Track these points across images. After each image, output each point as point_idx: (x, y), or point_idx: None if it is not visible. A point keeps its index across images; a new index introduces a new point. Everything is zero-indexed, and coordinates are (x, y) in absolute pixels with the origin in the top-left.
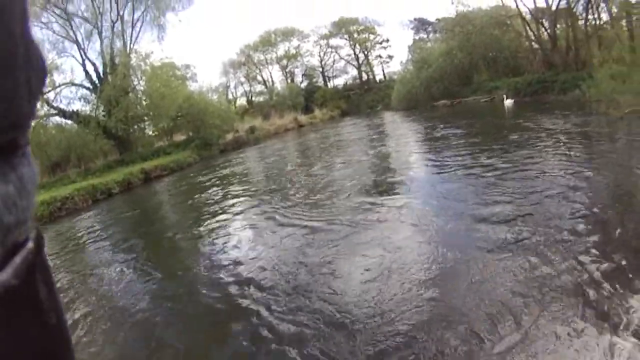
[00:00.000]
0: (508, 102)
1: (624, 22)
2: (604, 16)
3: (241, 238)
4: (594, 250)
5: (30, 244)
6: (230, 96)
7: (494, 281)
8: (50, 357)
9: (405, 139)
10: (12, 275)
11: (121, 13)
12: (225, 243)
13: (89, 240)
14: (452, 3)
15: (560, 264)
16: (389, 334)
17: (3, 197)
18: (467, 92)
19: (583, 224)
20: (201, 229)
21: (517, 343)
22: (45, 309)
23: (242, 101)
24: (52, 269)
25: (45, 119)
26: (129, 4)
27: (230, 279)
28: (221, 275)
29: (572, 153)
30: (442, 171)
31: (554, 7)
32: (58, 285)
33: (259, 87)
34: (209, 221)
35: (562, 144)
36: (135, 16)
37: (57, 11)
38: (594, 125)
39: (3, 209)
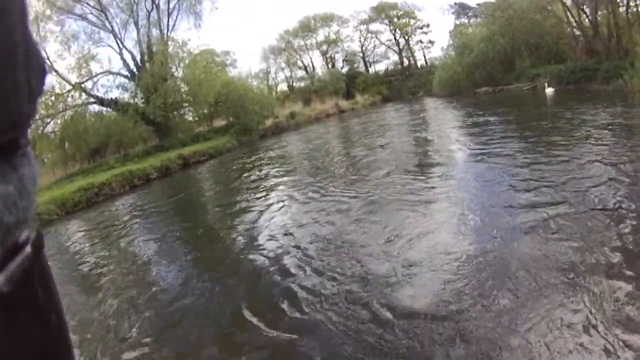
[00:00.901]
0: (549, 91)
1: None
2: None
3: (278, 222)
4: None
5: (30, 245)
6: (270, 82)
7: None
8: (50, 357)
9: (446, 125)
10: (12, 277)
11: (156, 2)
12: (261, 224)
13: (123, 226)
14: None
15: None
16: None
17: (3, 197)
18: (509, 78)
19: (619, 215)
20: (238, 212)
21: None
22: (45, 310)
23: (283, 87)
24: (75, 256)
25: (83, 107)
26: None
27: (271, 261)
28: (261, 254)
29: (610, 144)
30: (479, 156)
31: None
32: (89, 269)
33: (300, 73)
34: (245, 205)
35: (601, 135)
36: (171, 5)
37: (92, 3)
38: (636, 118)
39: (3, 209)
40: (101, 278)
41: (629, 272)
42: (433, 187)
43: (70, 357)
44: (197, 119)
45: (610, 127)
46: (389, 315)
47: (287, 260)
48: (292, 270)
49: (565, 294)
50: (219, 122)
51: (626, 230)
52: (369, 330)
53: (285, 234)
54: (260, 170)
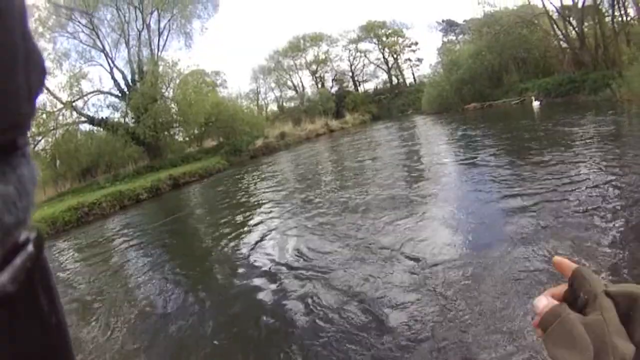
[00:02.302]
0: (535, 104)
1: None
2: (631, 12)
3: (268, 244)
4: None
5: (30, 245)
6: (260, 102)
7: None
8: (50, 358)
9: (436, 144)
10: (12, 277)
11: (147, 22)
12: (251, 245)
13: (112, 246)
14: (479, 3)
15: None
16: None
17: (3, 197)
18: (498, 94)
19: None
20: (226, 234)
21: None
22: (45, 311)
23: (273, 107)
24: (63, 274)
25: (74, 126)
26: (155, 13)
27: (261, 278)
28: (248, 275)
29: (598, 154)
30: (464, 167)
31: (580, 4)
32: (80, 286)
33: (290, 93)
34: (233, 228)
35: (589, 145)
36: (162, 25)
37: (83, 21)
38: (624, 127)
39: (3, 209)
40: (88, 297)
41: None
42: (424, 206)
43: (70, 357)
44: (187, 139)
45: (599, 136)
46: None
47: (276, 280)
48: (283, 288)
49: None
50: (209, 143)
51: (609, 233)
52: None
53: (274, 256)
54: (250, 192)
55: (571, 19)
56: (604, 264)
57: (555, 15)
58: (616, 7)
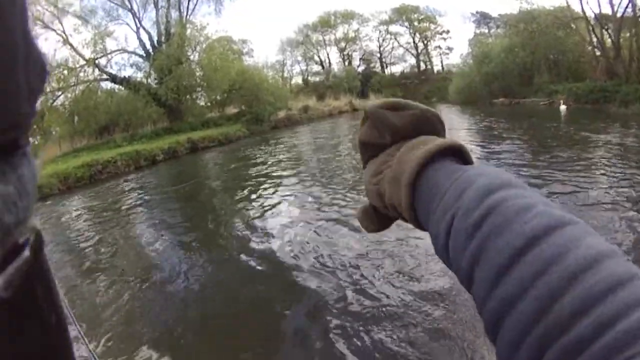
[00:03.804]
0: (562, 108)
1: None
2: None
3: (281, 212)
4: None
5: (30, 245)
6: (286, 74)
7: None
8: (50, 358)
9: (460, 135)
10: (12, 277)
11: None
12: (265, 215)
13: (122, 206)
14: None
15: None
16: None
17: (3, 197)
18: (527, 92)
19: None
20: (241, 201)
21: None
22: (45, 311)
23: (297, 80)
24: (69, 232)
25: (95, 83)
26: None
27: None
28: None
29: (617, 165)
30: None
31: (619, 14)
32: (81, 246)
33: (316, 68)
34: (247, 197)
35: (609, 155)
36: None
37: None
38: None
39: (3, 209)
40: (93, 256)
41: None
42: None
43: (70, 357)
44: (209, 104)
45: (620, 147)
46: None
47: (287, 255)
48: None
49: None
50: (231, 110)
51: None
52: None
53: (288, 229)
54: (267, 163)
55: (608, 28)
56: None
57: (592, 22)
58: None
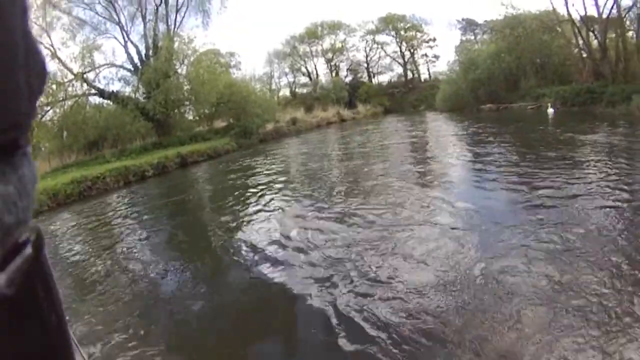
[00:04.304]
0: (550, 111)
1: None
2: None
3: (272, 227)
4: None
5: (30, 245)
6: (273, 86)
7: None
8: (51, 357)
9: (447, 140)
10: (12, 277)
11: None
12: (251, 229)
13: (112, 222)
14: (503, 4)
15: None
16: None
17: (3, 197)
18: (514, 97)
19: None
20: (228, 217)
21: None
22: (45, 310)
23: (285, 92)
24: (59, 249)
25: (83, 98)
26: None
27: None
28: (248, 258)
29: (604, 164)
30: (476, 168)
31: (604, 16)
32: (71, 262)
33: (303, 79)
34: (235, 211)
35: (596, 155)
36: (180, 1)
37: None
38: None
39: (3, 209)
40: (82, 273)
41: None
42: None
43: (70, 357)
44: (197, 118)
45: (607, 146)
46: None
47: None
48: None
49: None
50: (220, 123)
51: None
52: None
53: (275, 243)
54: (256, 177)
55: (594, 29)
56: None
57: (578, 24)
58: None
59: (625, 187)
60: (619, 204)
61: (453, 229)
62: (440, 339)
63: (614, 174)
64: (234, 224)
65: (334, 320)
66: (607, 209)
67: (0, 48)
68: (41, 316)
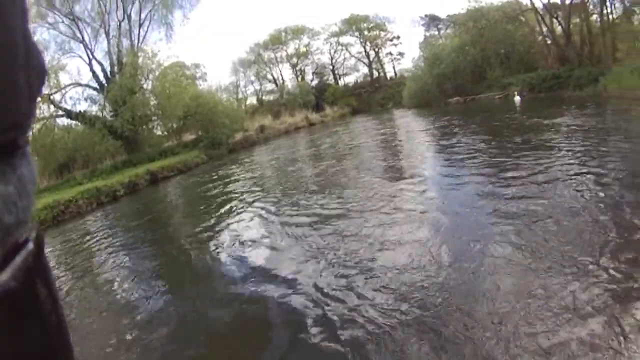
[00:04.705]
0: (517, 99)
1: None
2: (619, 10)
3: (247, 239)
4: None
5: (30, 245)
6: (240, 95)
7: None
8: (50, 358)
9: (415, 135)
10: (12, 277)
11: (128, 12)
12: (227, 241)
13: (89, 246)
14: None
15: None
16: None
17: (3, 198)
18: (480, 88)
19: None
20: (204, 231)
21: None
22: (46, 310)
23: (252, 100)
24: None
25: (51, 120)
26: (136, 3)
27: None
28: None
29: (573, 146)
30: (443, 159)
31: (567, 1)
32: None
33: (270, 86)
34: (211, 223)
35: (575, 142)
36: (143, 15)
37: (64, 11)
38: (613, 123)
39: (3, 209)
40: (63, 299)
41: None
42: (400, 191)
43: (70, 357)
44: (166, 133)
45: (586, 131)
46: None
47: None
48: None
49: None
50: (188, 136)
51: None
52: None
53: (253, 250)
54: (226, 187)
55: (558, 16)
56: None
57: (541, 12)
58: (604, 5)
59: (589, 164)
60: (583, 179)
61: (423, 212)
62: (424, 308)
63: (577, 153)
64: (207, 237)
65: (314, 312)
66: (572, 183)
67: (0, 48)
68: (41, 316)
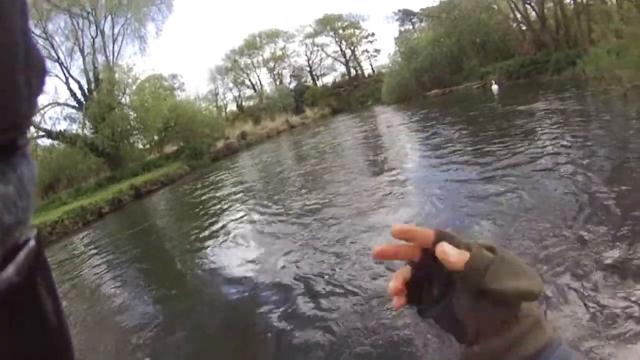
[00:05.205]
0: (495, 88)
1: None
2: None
3: (234, 250)
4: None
5: (30, 245)
6: (219, 103)
7: None
8: (50, 358)
9: (394, 129)
10: (15, 274)
11: (101, 27)
12: (214, 252)
13: (76, 267)
14: None
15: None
16: None
17: (3, 197)
18: (458, 79)
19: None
20: (190, 243)
21: None
22: (46, 310)
23: (232, 107)
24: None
25: (32, 141)
26: (108, 18)
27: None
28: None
29: (566, 134)
30: (422, 150)
31: None
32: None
33: (249, 92)
34: (196, 236)
35: (555, 126)
36: (116, 30)
37: (37, 31)
38: (592, 104)
39: (3, 209)
40: None
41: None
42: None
43: (71, 357)
44: (147, 146)
45: (567, 116)
46: None
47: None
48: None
49: None
50: (170, 148)
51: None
52: None
53: (242, 263)
54: (211, 197)
55: (531, 1)
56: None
57: None
58: None
59: (564, 145)
60: (560, 162)
61: (402, 199)
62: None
63: (551, 137)
64: (194, 248)
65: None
66: (541, 166)
67: (0, 48)
68: (42, 316)
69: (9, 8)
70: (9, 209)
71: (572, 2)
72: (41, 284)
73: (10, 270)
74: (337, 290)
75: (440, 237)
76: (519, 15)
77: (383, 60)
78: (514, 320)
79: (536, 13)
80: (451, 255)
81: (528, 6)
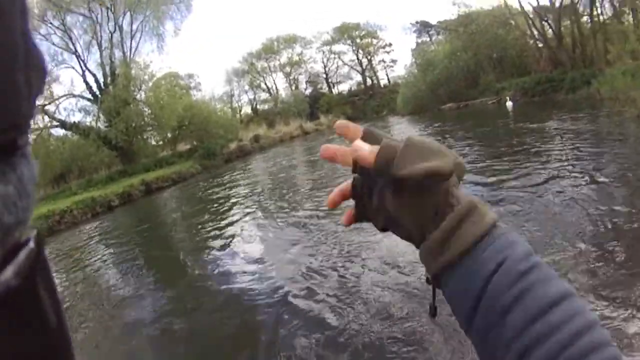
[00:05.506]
0: (509, 104)
1: (630, 17)
2: (609, 11)
3: (240, 250)
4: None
5: (31, 245)
6: (234, 105)
7: None
8: (50, 358)
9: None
10: (15, 274)
11: (119, 23)
12: (222, 253)
13: (83, 257)
14: (454, 4)
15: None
16: None
17: (3, 197)
18: (474, 94)
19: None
20: (198, 243)
21: None
22: (46, 310)
23: (247, 109)
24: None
25: (46, 130)
26: (127, 15)
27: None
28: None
29: (578, 155)
30: None
31: (557, 4)
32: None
33: (264, 95)
34: (205, 236)
35: (568, 146)
36: (134, 27)
37: (56, 23)
38: (606, 125)
39: (3, 210)
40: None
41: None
42: None
43: (71, 357)
44: (160, 143)
45: (581, 136)
46: None
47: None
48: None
49: None
50: (183, 146)
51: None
52: None
53: (251, 263)
54: (222, 198)
55: (548, 19)
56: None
57: (532, 15)
58: (594, 6)
59: (577, 167)
60: (571, 184)
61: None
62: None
63: (567, 157)
64: (202, 247)
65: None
66: (557, 186)
67: (0, 48)
68: (42, 316)
69: (9, 8)
70: (9, 209)
71: (589, 20)
72: (41, 284)
73: (10, 270)
74: (345, 294)
75: (367, 134)
76: (535, 32)
77: (399, 71)
78: (448, 210)
79: (553, 31)
80: (361, 149)
81: (545, 23)
